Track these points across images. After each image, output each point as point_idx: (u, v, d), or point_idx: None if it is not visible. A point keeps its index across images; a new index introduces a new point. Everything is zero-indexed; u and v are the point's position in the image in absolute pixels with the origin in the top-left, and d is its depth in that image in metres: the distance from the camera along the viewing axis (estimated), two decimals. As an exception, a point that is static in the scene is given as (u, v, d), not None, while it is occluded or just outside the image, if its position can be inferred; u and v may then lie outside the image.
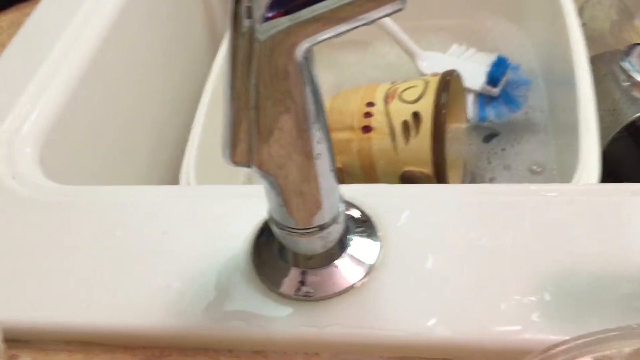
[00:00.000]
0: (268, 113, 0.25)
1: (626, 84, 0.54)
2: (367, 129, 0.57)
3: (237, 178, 0.63)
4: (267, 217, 0.31)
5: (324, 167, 0.28)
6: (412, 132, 0.55)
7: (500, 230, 0.32)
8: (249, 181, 0.63)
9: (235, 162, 0.27)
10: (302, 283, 0.32)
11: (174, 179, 0.59)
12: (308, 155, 0.27)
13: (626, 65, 0.55)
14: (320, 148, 0.27)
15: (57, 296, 0.34)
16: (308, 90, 0.25)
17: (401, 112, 0.56)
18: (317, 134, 0.27)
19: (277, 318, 0.31)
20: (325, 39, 0.24)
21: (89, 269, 0.35)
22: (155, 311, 0.32)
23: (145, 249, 0.35)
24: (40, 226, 0.37)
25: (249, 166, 0.27)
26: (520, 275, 0.31)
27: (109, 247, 0.36)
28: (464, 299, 0.30)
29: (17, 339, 0.34)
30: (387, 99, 0.58)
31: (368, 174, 0.58)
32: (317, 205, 0.29)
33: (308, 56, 0.25)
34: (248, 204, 0.36)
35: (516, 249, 0.32)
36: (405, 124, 0.55)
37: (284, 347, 0.31)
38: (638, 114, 0.52)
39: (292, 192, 0.28)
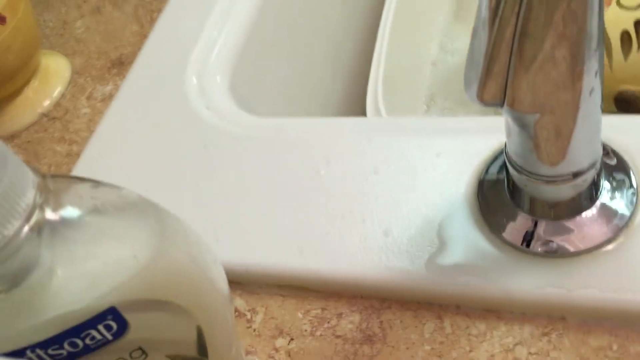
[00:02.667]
0: (538, 39, 0.20)
1: None
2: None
3: (420, 107, 0.58)
4: (505, 159, 0.27)
5: (594, 104, 0.23)
6: (634, 45, 0.47)
7: None
8: (429, 110, 0.58)
9: (484, 101, 0.23)
10: (545, 236, 0.27)
11: (351, 110, 0.56)
12: (579, 92, 0.22)
13: None
14: (595, 82, 0.22)
15: (268, 239, 0.32)
16: (594, 8, 0.20)
17: (620, 20, 0.47)
18: (594, 65, 0.21)
19: (515, 275, 0.27)
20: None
21: (298, 211, 0.33)
22: (373, 259, 0.30)
23: (356, 190, 0.32)
24: (245, 163, 0.36)
25: (499, 106, 0.23)
26: None
27: (315, 188, 0.33)
28: None
29: (230, 281, 0.33)
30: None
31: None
32: (576, 150, 0.24)
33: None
34: (465, 140, 0.32)
35: None
36: (625, 35, 0.47)
37: (524, 308, 0.27)
38: None
39: (549, 135, 0.24)
